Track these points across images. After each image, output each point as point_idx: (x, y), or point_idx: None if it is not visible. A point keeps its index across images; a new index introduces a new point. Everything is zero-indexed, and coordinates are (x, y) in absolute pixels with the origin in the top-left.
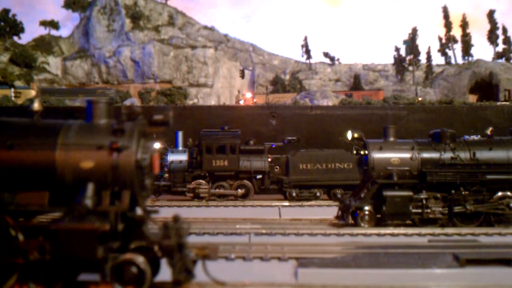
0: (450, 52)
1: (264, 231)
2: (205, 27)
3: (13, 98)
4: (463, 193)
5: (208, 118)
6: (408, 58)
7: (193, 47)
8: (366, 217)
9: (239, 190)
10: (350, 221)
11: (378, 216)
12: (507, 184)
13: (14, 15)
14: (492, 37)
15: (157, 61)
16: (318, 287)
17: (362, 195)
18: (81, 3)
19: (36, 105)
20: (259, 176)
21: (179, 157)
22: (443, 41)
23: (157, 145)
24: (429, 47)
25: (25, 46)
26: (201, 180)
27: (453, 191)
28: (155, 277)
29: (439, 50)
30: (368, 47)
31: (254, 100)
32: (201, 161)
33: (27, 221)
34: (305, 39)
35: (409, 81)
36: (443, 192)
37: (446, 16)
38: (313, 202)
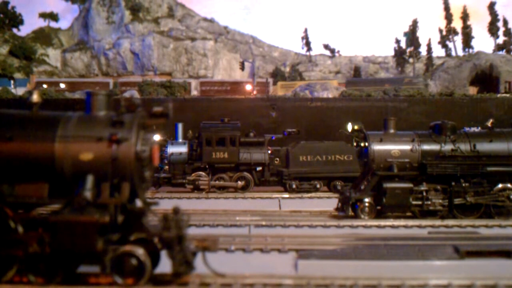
0: (450, 44)
1: (264, 223)
2: (205, 19)
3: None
4: (464, 185)
5: (208, 110)
6: (408, 50)
7: (193, 39)
8: (366, 209)
9: (239, 182)
10: (350, 213)
11: (378, 208)
12: (507, 176)
13: (13, 7)
14: (492, 29)
15: (156, 53)
16: (318, 279)
17: (362, 187)
18: None
19: (35, 97)
20: (259, 168)
21: (179, 149)
22: (444, 33)
23: (156, 137)
24: (429, 39)
25: (24, 38)
26: (201, 172)
27: (453, 183)
28: (155, 269)
29: (439, 42)
30: (369, 39)
31: (254, 92)
32: (201, 153)
33: (27, 213)
34: (305, 31)
35: (409, 73)
36: (443, 184)
37: (446, 8)
38: (313, 194)
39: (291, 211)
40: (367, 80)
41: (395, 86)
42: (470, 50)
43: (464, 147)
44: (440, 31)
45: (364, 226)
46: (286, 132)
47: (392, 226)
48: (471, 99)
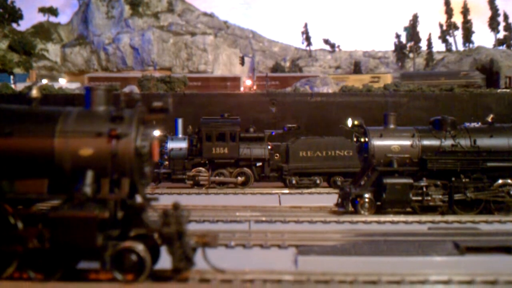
0: (451, 39)
1: (264, 219)
2: (205, 14)
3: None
4: (464, 180)
5: (208, 105)
6: (408, 45)
7: (193, 34)
8: (366, 205)
9: (239, 178)
10: (350, 208)
11: (378, 203)
12: (507, 171)
13: (12, 2)
14: (493, 24)
15: (156, 48)
16: (318, 275)
17: (362, 183)
18: None
19: (35, 92)
20: (259, 164)
21: (179, 145)
22: (444, 27)
23: (156, 133)
24: (429, 34)
25: (24, 33)
26: (201, 168)
27: (453, 179)
28: (155, 264)
29: (439, 37)
30: (369, 34)
31: (254, 87)
32: (201, 148)
33: (26, 209)
34: (305, 26)
35: (409, 68)
36: (443, 179)
37: (447, 2)
38: (313, 190)
39: (291, 207)
40: (423, 74)
41: (452, 80)
42: (471, 45)
43: (464, 142)
44: (441, 25)
45: (364, 222)
46: (286, 128)
47: (392, 222)
48: (471, 94)
